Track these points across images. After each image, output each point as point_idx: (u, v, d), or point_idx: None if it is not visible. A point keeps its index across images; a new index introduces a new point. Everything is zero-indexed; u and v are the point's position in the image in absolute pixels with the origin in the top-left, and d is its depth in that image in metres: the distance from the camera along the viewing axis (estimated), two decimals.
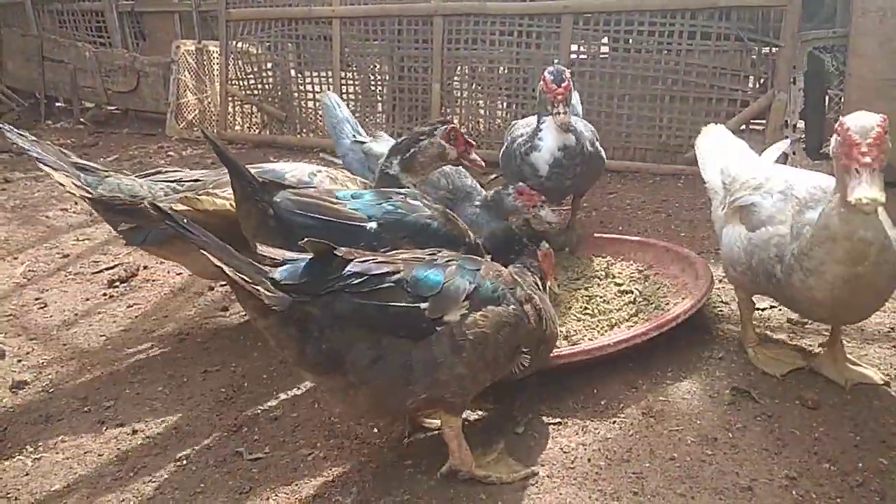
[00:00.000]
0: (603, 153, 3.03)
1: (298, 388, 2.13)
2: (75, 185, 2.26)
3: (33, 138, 2.36)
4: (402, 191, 2.18)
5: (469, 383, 1.62)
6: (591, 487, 1.62)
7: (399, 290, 1.56)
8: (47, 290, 3.03)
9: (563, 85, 2.73)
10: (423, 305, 1.57)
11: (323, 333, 1.51)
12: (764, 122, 4.25)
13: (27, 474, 1.79)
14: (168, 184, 2.42)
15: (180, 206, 2.14)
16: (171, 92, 6.11)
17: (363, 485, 1.66)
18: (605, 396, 1.96)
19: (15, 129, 2.36)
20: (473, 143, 2.51)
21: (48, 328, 2.67)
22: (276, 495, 1.64)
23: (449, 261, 1.69)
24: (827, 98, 4.27)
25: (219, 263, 1.44)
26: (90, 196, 2.27)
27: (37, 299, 2.93)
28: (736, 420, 1.80)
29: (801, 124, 4.48)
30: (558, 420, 1.87)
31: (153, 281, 3.10)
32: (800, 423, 1.77)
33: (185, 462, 1.79)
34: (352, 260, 1.55)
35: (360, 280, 1.53)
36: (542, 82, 2.80)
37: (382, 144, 3.03)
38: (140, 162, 5.30)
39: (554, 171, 2.79)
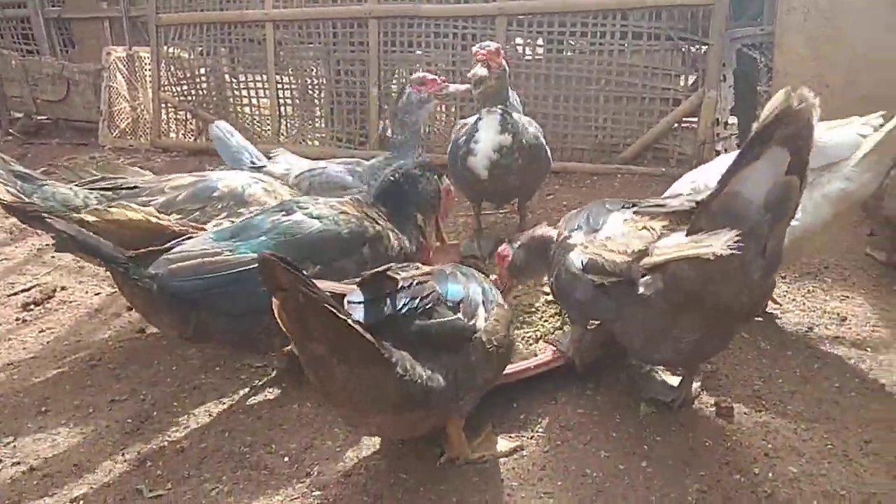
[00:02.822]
0: (547, 149, 2.97)
1: (209, 416, 2.05)
2: (8, 191, 2.15)
3: None
4: (286, 203, 2.10)
5: (490, 384, 1.68)
6: None
7: (442, 306, 1.54)
8: None
9: (484, 49, 2.67)
10: (460, 315, 1.55)
11: (406, 371, 1.42)
12: (696, 119, 4.28)
13: None
14: (103, 192, 2.32)
15: (90, 218, 2.05)
16: (103, 100, 5.91)
17: None
18: (524, 410, 1.93)
19: None
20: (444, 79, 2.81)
21: None
22: None
23: (451, 270, 1.70)
24: (756, 94, 4.33)
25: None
26: (17, 202, 2.16)
27: None
28: (652, 431, 1.78)
29: (733, 120, 4.55)
30: (476, 435, 1.82)
31: (70, 302, 2.96)
32: (714, 433, 1.75)
33: (80, 502, 1.69)
34: (398, 286, 1.49)
35: (415, 304, 1.47)
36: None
37: (281, 164, 2.98)
38: (70, 173, 5.08)
39: (494, 173, 2.75)
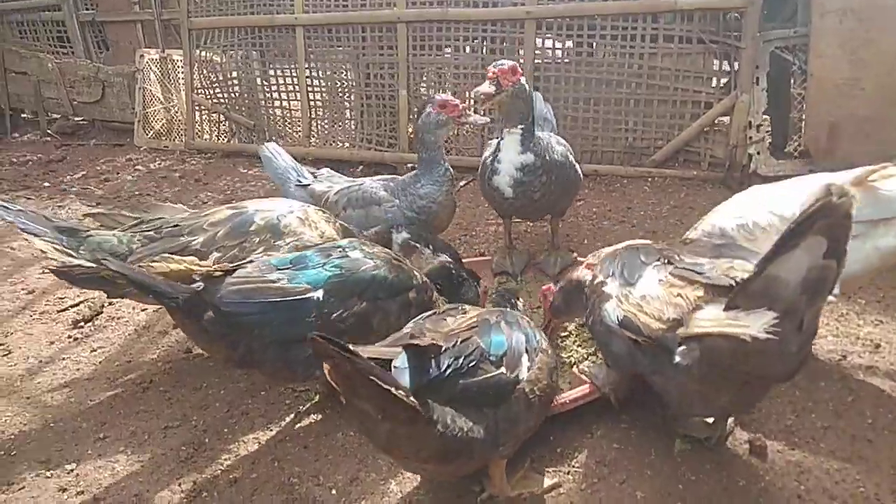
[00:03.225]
0: (577, 167, 3.00)
1: (258, 443, 2.15)
2: (56, 249, 2.27)
3: (18, 207, 2.38)
4: (343, 243, 2.17)
5: (533, 430, 1.74)
6: None
7: (486, 362, 1.59)
8: (11, 334, 3.01)
9: (496, 68, 2.67)
10: (503, 370, 1.61)
11: (447, 426, 1.49)
12: (727, 122, 4.25)
13: None
14: (145, 234, 2.41)
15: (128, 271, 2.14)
16: (137, 102, 6.04)
17: None
18: (561, 443, 1.99)
19: (4, 203, 2.38)
20: (466, 105, 2.68)
21: (12, 379, 2.65)
22: None
23: (496, 318, 1.73)
24: (790, 97, 4.28)
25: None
26: (63, 266, 2.26)
27: (0, 345, 2.91)
28: (687, 469, 1.83)
29: (766, 121, 4.49)
30: (515, 471, 1.90)
31: (118, 318, 3.08)
32: (747, 473, 1.80)
33: None
34: (442, 349, 1.55)
35: (459, 363, 1.53)
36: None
37: (324, 182, 3.09)
38: (107, 179, 5.24)
39: (518, 191, 2.79)
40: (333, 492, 1.91)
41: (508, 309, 1.97)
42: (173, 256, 2.14)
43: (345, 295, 1.99)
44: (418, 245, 2.65)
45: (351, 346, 1.37)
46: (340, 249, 2.12)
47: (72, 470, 2.10)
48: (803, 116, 4.15)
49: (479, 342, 1.61)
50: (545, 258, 3.07)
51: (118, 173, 5.38)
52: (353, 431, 2.14)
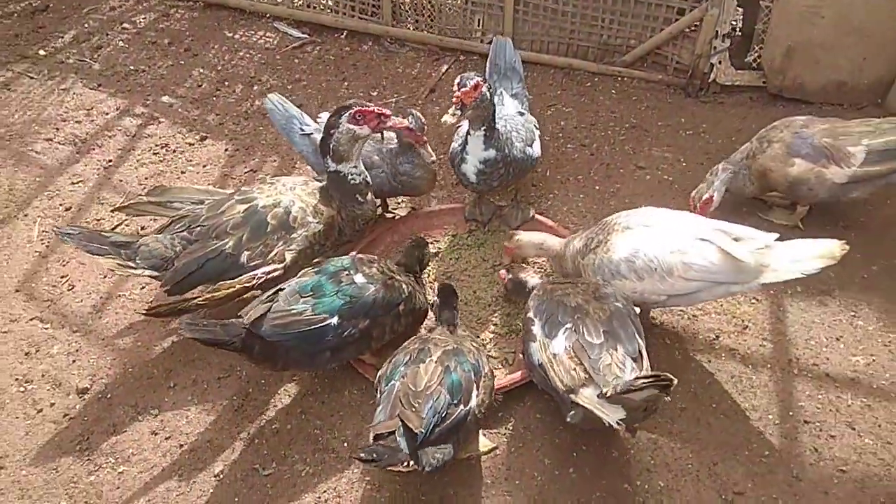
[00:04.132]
0: (535, 154, 3.47)
1: (288, 395, 3.00)
2: (119, 265, 2.86)
3: (79, 231, 2.90)
4: (347, 264, 2.79)
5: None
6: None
7: (451, 406, 2.30)
8: (67, 263, 3.66)
9: (462, 90, 2.95)
10: (461, 407, 2.32)
11: (431, 464, 2.20)
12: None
13: (118, 487, 2.72)
14: (182, 236, 2.97)
15: (204, 301, 2.81)
16: None
17: (339, 500, 2.63)
18: (501, 408, 2.86)
19: (67, 229, 2.88)
20: (387, 111, 2.96)
21: (84, 317, 3.38)
22: None
23: (454, 364, 2.39)
24: (759, 9, 4.45)
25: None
26: (150, 311, 2.86)
27: (63, 277, 3.59)
28: (581, 441, 2.72)
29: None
30: None
31: None
32: (621, 447, 2.70)
33: (220, 477, 2.72)
34: (425, 423, 2.20)
35: (437, 419, 2.26)
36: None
37: None
38: (99, 46, 5.34)
39: (481, 178, 3.32)
40: (345, 444, 2.81)
41: (459, 339, 2.65)
42: (227, 282, 2.78)
43: (353, 317, 2.69)
44: None
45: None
46: (347, 273, 2.75)
47: (156, 415, 2.97)
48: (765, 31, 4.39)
49: (445, 394, 2.34)
50: (507, 211, 3.65)
51: (107, 35, 5.49)
52: (356, 389, 2.98)
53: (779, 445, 2.68)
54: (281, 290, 2.70)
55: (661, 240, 2.70)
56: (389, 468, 2.17)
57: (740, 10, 4.74)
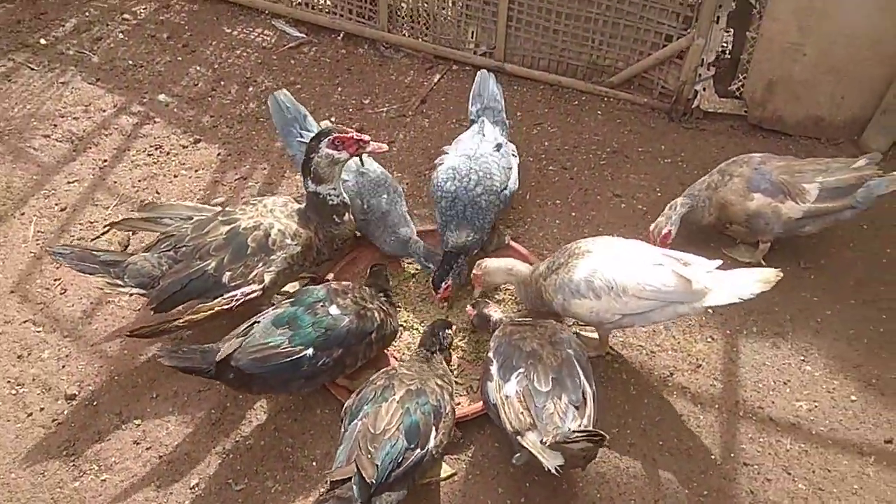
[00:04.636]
0: (510, 192, 3.66)
1: (263, 411, 3.18)
2: (108, 283, 3.03)
3: (70, 251, 3.06)
4: (321, 295, 2.95)
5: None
6: None
7: (408, 451, 2.46)
8: (61, 265, 3.80)
9: (439, 294, 3.41)
10: (418, 450, 2.48)
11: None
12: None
13: (100, 494, 2.92)
14: (167, 255, 3.12)
15: (185, 322, 2.95)
16: None
17: None
18: (464, 436, 3.04)
19: (59, 249, 3.05)
20: (365, 137, 3.11)
21: (74, 322, 3.55)
22: None
23: (414, 406, 2.54)
24: (745, 37, 4.53)
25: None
26: (137, 331, 2.99)
27: (56, 280, 3.75)
28: (532, 473, 2.91)
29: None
30: None
31: None
32: (570, 478, 2.89)
33: (196, 489, 2.91)
34: (379, 472, 2.34)
35: (393, 465, 2.42)
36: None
37: None
38: (99, 38, 5.42)
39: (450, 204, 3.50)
40: (314, 463, 3.00)
41: (427, 375, 2.82)
42: (207, 303, 2.94)
43: (328, 348, 2.85)
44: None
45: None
46: (322, 305, 2.91)
47: (139, 424, 3.15)
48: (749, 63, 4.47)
49: (403, 439, 2.48)
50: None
51: (107, 25, 5.56)
52: (328, 409, 3.16)
53: (717, 486, 2.86)
54: (257, 322, 2.85)
55: (618, 263, 2.91)
56: None
57: (731, 31, 4.82)
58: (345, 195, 3.34)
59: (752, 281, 2.78)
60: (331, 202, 3.27)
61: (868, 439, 2.99)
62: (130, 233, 3.91)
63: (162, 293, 3.05)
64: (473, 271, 3.35)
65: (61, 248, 3.07)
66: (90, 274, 3.06)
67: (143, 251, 3.20)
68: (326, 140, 3.12)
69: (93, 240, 3.96)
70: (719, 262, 2.88)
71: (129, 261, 3.11)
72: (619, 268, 2.88)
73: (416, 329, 3.41)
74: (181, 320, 2.95)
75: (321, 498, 2.41)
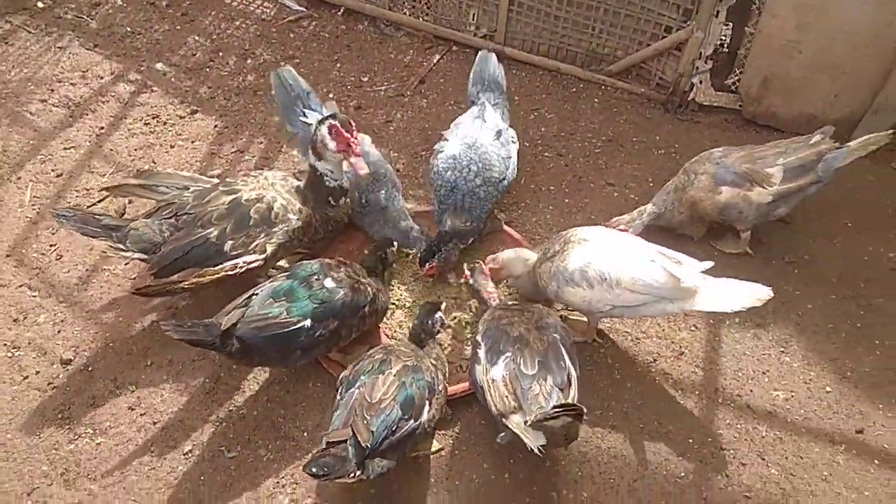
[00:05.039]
0: (508, 180, 3.68)
1: (256, 383, 3.25)
2: (111, 247, 3.07)
3: (73, 213, 3.09)
4: (315, 269, 3.01)
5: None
6: None
7: (402, 420, 2.55)
8: (56, 231, 3.84)
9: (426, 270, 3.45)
10: (411, 421, 2.57)
11: (375, 470, 2.46)
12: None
13: (95, 457, 2.98)
14: (169, 222, 3.17)
15: (189, 285, 3.03)
16: None
17: (295, 486, 2.91)
18: (452, 413, 3.13)
19: (62, 211, 3.08)
20: (356, 148, 3.14)
21: (70, 288, 3.59)
22: (246, 492, 2.89)
23: (410, 380, 2.62)
24: (744, 34, 4.58)
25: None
26: (139, 290, 3.07)
27: (52, 245, 3.78)
28: (515, 451, 3.00)
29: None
30: None
31: None
32: (553, 457, 2.99)
33: (189, 455, 2.99)
34: (374, 437, 2.43)
35: (387, 432, 2.51)
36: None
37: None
38: (97, 3, 5.38)
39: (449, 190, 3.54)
40: (305, 434, 3.08)
41: (423, 355, 2.89)
42: (211, 269, 2.99)
43: (324, 319, 2.91)
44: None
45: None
46: (317, 278, 2.97)
47: (133, 391, 3.21)
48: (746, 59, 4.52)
49: (398, 409, 2.56)
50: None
51: None
52: (320, 382, 3.24)
53: (693, 469, 2.97)
54: (255, 294, 2.91)
55: (613, 255, 2.98)
56: (338, 480, 2.42)
57: (730, 24, 4.86)
58: (345, 180, 3.38)
59: (746, 295, 2.84)
60: (328, 183, 3.32)
61: (840, 429, 3.11)
62: (127, 200, 3.94)
63: (164, 259, 3.09)
64: (489, 265, 3.33)
65: (64, 210, 3.11)
66: (92, 237, 3.10)
67: (144, 217, 3.23)
68: (327, 123, 3.16)
69: (89, 206, 3.97)
70: (711, 263, 2.95)
71: (130, 226, 3.15)
72: (613, 260, 2.95)
73: (408, 307, 3.47)
74: (187, 282, 3.00)
75: (317, 453, 2.47)
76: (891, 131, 3.57)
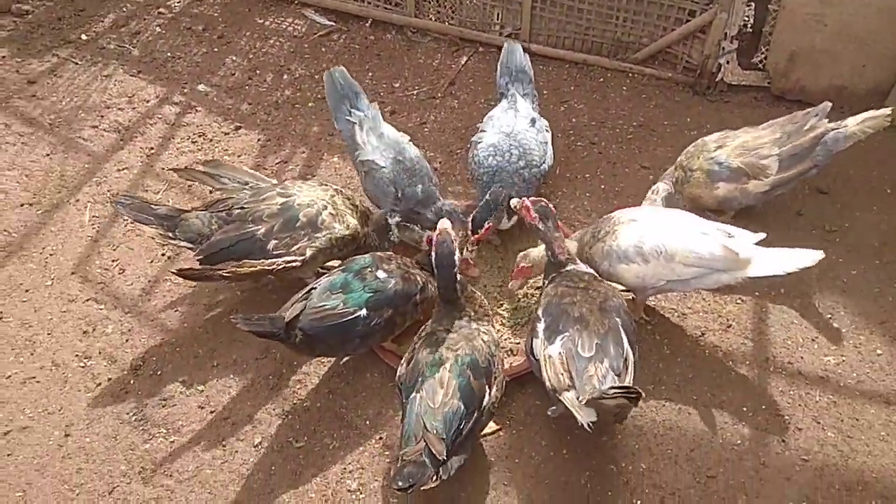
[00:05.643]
0: (547, 166, 3.78)
1: (317, 376, 3.39)
2: (161, 235, 3.28)
3: (129, 201, 3.32)
4: (368, 262, 3.14)
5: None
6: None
7: (468, 416, 2.62)
8: (117, 248, 4.04)
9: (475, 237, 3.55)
10: (475, 413, 2.65)
11: (451, 469, 2.56)
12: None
13: (170, 454, 3.14)
14: (220, 216, 3.35)
15: (229, 274, 3.18)
16: None
17: (362, 471, 3.03)
18: (507, 395, 3.21)
19: (121, 198, 3.31)
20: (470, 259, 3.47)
21: (134, 299, 3.77)
22: (315, 478, 3.02)
23: (469, 373, 2.68)
24: (768, 12, 4.62)
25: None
26: (185, 272, 3.26)
27: (114, 261, 3.98)
28: (573, 427, 3.08)
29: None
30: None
31: None
32: (610, 431, 3.06)
33: (259, 448, 3.13)
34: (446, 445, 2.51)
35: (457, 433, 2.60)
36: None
37: (363, 131, 3.71)
38: (138, 31, 5.62)
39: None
40: (367, 422, 3.20)
41: (472, 334, 2.95)
42: (250, 261, 3.18)
43: (379, 308, 3.04)
44: (409, 225, 3.57)
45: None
46: (370, 270, 3.10)
47: (202, 391, 3.37)
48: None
49: (461, 406, 2.61)
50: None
51: (144, 19, 5.77)
52: (377, 373, 3.36)
53: (749, 435, 3.02)
54: (313, 288, 3.05)
55: (666, 230, 3.05)
56: (423, 488, 2.50)
57: (752, 4, 4.91)
58: (396, 236, 3.60)
59: (798, 257, 2.91)
60: (390, 236, 3.60)
61: (894, 389, 3.12)
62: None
63: (211, 247, 3.26)
64: (520, 263, 3.37)
65: (123, 197, 3.33)
66: (145, 224, 3.31)
67: (201, 209, 3.41)
68: (428, 234, 3.41)
69: (156, 193, 4.24)
70: (763, 235, 3.00)
71: (183, 216, 3.34)
72: (667, 234, 3.02)
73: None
74: (226, 270, 3.17)
75: (399, 467, 2.53)
76: (888, 111, 3.47)
